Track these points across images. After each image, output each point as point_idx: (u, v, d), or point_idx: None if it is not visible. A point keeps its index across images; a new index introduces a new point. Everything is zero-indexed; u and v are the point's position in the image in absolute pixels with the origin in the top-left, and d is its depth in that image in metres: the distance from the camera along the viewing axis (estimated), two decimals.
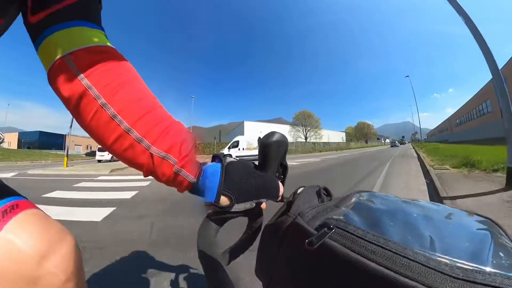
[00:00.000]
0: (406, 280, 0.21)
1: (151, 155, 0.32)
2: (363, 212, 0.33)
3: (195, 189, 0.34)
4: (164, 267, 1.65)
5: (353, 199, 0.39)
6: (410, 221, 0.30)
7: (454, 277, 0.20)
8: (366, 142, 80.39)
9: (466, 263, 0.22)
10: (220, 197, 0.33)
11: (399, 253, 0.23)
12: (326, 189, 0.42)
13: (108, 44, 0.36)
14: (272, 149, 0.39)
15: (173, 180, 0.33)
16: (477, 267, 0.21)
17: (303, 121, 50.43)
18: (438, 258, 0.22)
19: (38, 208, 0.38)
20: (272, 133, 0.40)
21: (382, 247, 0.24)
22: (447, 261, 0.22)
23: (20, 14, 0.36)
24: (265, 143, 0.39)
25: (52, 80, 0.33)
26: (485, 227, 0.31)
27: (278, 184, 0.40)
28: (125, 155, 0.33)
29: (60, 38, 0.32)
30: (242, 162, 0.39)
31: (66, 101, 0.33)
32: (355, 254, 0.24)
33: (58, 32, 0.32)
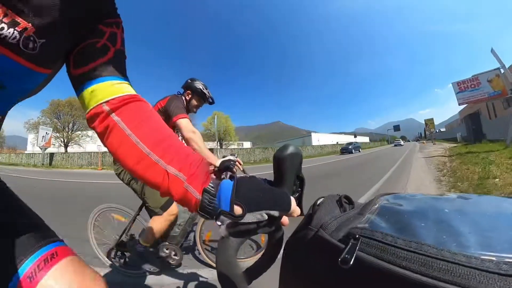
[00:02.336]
0: (447, 285, 0.19)
1: (167, 173, 0.37)
2: (390, 217, 0.31)
3: (202, 207, 0.37)
4: (173, 273, 1.65)
5: (377, 204, 0.37)
6: (442, 219, 0.28)
7: (502, 274, 0.18)
8: None
9: None
10: (233, 206, 0.35)
11: (435, 256, 0.21)
12: (347, 197, 0.41)
13: (134, 92, 0.45)
14: (286, 163, 0.39)
15: (184, 197, 0.37)
16: None
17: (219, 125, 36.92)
18: (481, 256, 0.20)
19: (75, 254, 0.45)
20: (285, 146, 0.40)
21: (415, 252, 0.22)
22: (492, 258, 0.20)
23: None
24: (279, 157, 0.39)
25: (91, 119, 0.42)
26: None
27: (289, 197, 0.39)
28: (145, 174, 0.38)
29: (97, 90, 0.41)
30: (251, 177, 0.39)
31: (101, 135, 0.41)
32: (385, 263, 0.22)
33: (94, 85, 0.41)
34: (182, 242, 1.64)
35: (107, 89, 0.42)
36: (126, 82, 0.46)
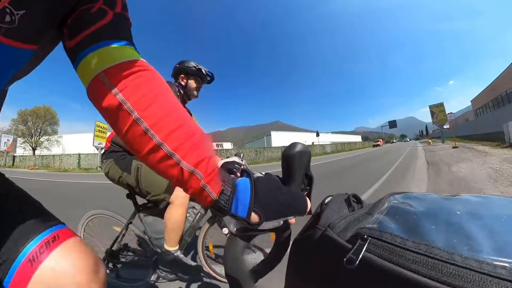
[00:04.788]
0: None
1: (181, 169, 0.33)
2: (399, 217, 0.31)
3: (217, 206, 0.35)
4: (172, 284, 1.57)
5: (387, 204, 0.36)
6: (454, 221, 0.27)
7: None
8: None
9: None
10: (251, 213, 0.34)
11: (445, 260, 0.20)
12: (355, 196, 0.40)
13: (139, 58, 0.38)
14: (295, 161, 0.39)
15: (199, 194, 0.34)
16: None
17: None
18: (494, 262, 0.20)
19: (77, 236, 0.45)
20: (293, 144, 0.40)
21: (424, 255, 0.22)
22: (506, 264, 0.19)
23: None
24: (287, 155, 0.39)
25: (91, 97, 0.36)
26: None
27: (306, 200, 0.39)
28: (158, 167, 0.35)
29: (93, 58, 0.35)
30: (269, 177, 0.39)
31: (105, 115, 0.36)
32: (393, 265, 0.22)
33: (91, 53, 0.35)
34: (188, 244, 1.34)
35: (104, 55, 0.35)
36: (130, 47, 0.39)
